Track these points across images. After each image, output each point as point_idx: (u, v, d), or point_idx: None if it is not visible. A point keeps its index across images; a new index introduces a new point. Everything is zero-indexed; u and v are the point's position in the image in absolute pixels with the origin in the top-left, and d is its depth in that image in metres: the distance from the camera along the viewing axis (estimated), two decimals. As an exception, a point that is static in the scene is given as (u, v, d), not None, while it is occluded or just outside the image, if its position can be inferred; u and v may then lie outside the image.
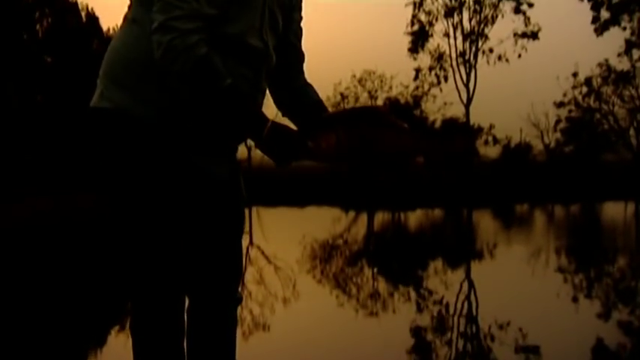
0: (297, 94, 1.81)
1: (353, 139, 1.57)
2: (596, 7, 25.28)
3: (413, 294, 5.70)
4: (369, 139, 1.58)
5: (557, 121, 26.89)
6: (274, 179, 21.00)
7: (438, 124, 26.55)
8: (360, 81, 27.86)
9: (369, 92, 27.57)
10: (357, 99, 27.54)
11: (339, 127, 1.57)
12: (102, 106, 1.63)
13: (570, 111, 26.85)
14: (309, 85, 1.85)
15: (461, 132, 24.71)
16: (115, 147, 1.61)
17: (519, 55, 26.44)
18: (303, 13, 1.84)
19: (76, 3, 22.68)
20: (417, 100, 26.89)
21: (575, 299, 5.32)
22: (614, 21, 25.22)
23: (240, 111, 1.52)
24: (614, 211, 16.38)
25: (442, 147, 1.68)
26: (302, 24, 1.85)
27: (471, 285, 6.22)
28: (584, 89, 26.54)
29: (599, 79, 26.45)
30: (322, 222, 13.61)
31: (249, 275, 6.33)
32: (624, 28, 25.43)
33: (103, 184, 1.63)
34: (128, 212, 1.61)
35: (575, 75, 26.61)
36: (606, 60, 26.20)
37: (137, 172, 1.59)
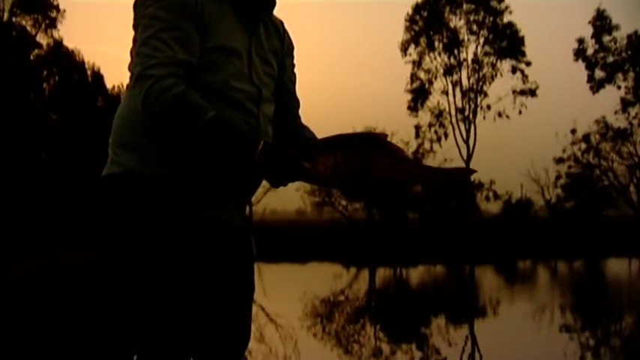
0: (294, 134, 1.83)
1: (351, 162, 1.54)
2: (590, 66, 25.72)
3: (416, 352, 5.60)
4: (367, 164, 1.55)
5: (558, 177, 26.98)
6: (275, 235, 20.94)
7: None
8: (361, 138, 28.14)
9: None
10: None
11: (337, 150, 1.54)
12: (111, 172, 1.64)
13: (570, 167, 26.95)
14: (306, 127, 1.86)
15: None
16: (124, 209, 1.60)
17: (520, 112, 26.77)
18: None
19: (83, 62, 23.22)
20: (418, 157, 27.08)
21: (582, 359, 5.23)
22: (609, 80, 25.61)
23: (229, 138, 1.51)
24: (618, 267, 16.24)
25: (441, 177, 1.65)
26: (295, 70, 1.87)
27: (475, 343, 6.12)
28: (583, 146, 26.74)
29: (597, 136, 26.69)
30: (324, 278, 13.49)
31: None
32: (619, 87, 25.80)
33: (114, 246, 1.61)
34: (138, 272, 1.59)
35: (573, 132, 26.83)
36: (603, 117, 26.50)
37: (148, 232, 1.58)
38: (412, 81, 27.15)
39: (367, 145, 1.57)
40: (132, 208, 1.59)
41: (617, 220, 25.20)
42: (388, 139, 1.60)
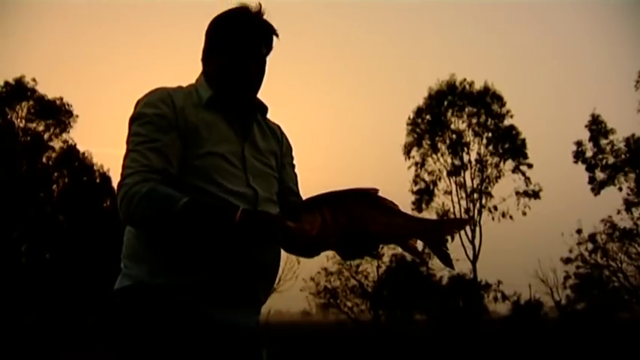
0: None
1: (340, 219, 1.49)
2: (590, 168, 25.97)
3: None
4: (358, 220, 1.50)
5: (566, 277, 26.54)
6: (280, 337, 20.44)
7: (445, 281, 26.30)
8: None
9: (376, 250, 27.64)
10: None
11: (324, 208, 1.50)
12: (123, 286, 1.67)
13: (578, 267, 26.56)
14: None
15: (468, 288, 24.39)
16: (133, 321, 1.60)
17: (524, 214, 26.82)
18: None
19: (92, 164, 23.74)
20: (424, 257, 26.84)
21: None
22: (610, 180, 25.76)
23: (206, 213, 1.51)
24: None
25: (435, 229, 1.59)
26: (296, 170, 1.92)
27: None
28: (590, 246, 26.48)
29: (603, 236, 26.50)
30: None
31: None
32: (620, 189, 25.86)
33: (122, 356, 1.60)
34: None
35: (579, 232, 26.68)
36: (609, 217, 26.38)
37: (155, 343, 1.57)
38: (415, 182, 27.48)
39: (358, 201, 1.53)
40: (140, 320, 1.60)
41: (632, 323, 24.48)
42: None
